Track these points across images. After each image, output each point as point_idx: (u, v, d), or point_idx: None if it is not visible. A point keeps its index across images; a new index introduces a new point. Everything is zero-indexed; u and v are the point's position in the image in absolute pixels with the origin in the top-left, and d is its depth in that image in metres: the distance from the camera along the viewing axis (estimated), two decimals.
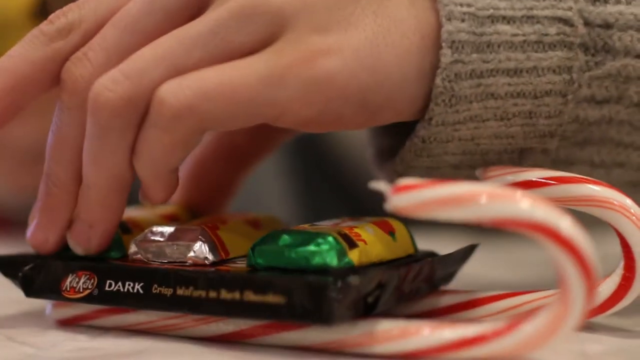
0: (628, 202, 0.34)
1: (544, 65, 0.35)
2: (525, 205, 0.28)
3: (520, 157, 0.37)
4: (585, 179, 0.35)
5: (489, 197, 0.28)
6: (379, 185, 0.30)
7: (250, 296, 0.32)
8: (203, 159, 0.43)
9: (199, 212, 0.41)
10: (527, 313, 0.30)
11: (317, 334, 0.32)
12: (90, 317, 0.36)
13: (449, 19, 0.34)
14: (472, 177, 0.37)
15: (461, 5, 0.34)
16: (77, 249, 0.36)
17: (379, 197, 0.30)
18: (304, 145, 0.72)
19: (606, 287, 0.34)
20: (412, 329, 0.31)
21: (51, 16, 0.36)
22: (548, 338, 0.29)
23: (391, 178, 0.37)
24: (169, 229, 0.35)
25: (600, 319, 0.35)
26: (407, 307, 0.36)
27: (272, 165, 0.72)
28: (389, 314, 0.33)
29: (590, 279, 0.28)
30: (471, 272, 0.39)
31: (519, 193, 0.29)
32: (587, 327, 0.35)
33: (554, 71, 0.35)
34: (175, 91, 0.32)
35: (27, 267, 0.36)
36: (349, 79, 0.33)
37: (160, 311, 0.34)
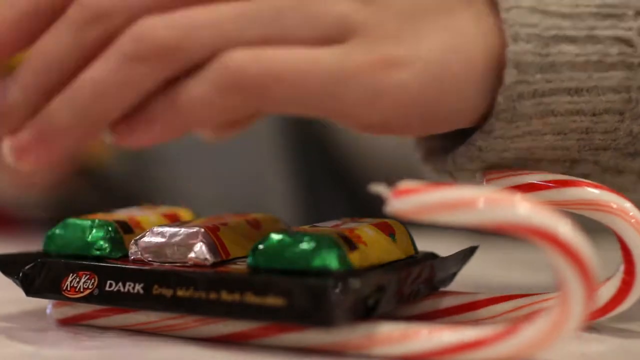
0: (627, 205, 0.34)
1: (604, 84, 0.35)
2: (524, 210, 0.28)
3: (571, 166, 0.37)
4: (585, 182, 0.35)
5: (488, 201, 0.28)
6: (379, 188, 0.30)
7: (251, 298, 0.32)
8: None
9: None
10: (526, 316, 0.30)
11: (317, 336, 0.32)
12: (91, 317, 0.36)
13: (515, 40, 0.33)
14: None
15: (526, 26, 0.34)
16: (11, 153, 0.35)
17: (381, 199, 0.30)
18: (305, 145, 0.72)
19: (606, 291, 0.34)
20: (412, 332, 0.31)
21: None
22: (547, 342, 0.29)
23: (440, 174, 0.37)
24: (169, 230, 0.35)
25: (601, 318, 0.35)
26: (407, 309, 0.36)
27: (273, 165, 0.72)
28: (389, 316, 0.33)
29: (589, 282, 0.28)
30: (471, 274, 0.39)
31: (517, 197, 0.29)
32: (588, 327, 0.35)
33: (613, 90, 0.35)
34: (248, 61, 0.32)
35: (27, 267, 0.36)
36: (417, 92, 0.33)
37: (161, 312, 0.34)
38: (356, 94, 0.33)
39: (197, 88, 0.33)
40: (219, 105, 0.33)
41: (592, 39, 0.34)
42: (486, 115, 0.35)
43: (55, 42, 0.34)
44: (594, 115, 0.35)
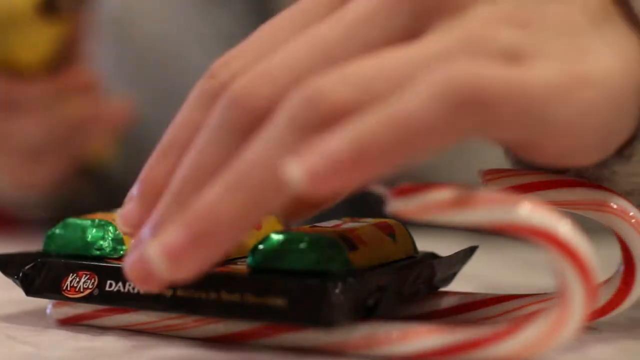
0: (628, 205, 0.34)
1: None
2: (524, 210, 0.28)
3: None
4: (586, 182, 0.35)
5: (488, 201, 0.28)
6: (379, 188, 0.30)
7: (251, 298, 0.32)
8: None
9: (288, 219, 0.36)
10: (527, 316, 0.30)
11: (317, 336, 0.32)
12: (91, 317, 0.36)
13: None
14: None
15: None
16: (161, 259, 0.29)
17: (381, 198, 0.30)
18: None
19: (606, 291, 0.34)
20: (411, 332, 0.31)
21: (212, 69, 0.32)
22: (547, 342, 0.29)
23: None
24: None
25: (601, 319, 0.35)
26: (407, 309, 0.36)
27: None
28: (389, 316, 0.33)
29: (589, 283, 0.28)
30: (471, 274, 0.39)
31: (518, 198, 0.29)
32: (588, 327, 0.35)
33: None
34: (475, 76, 0.28)
35: (27, 267, 0.36)
36: (601, 111, 0.31)
37: (161, 312, 0.34)
38: (566, 113, 0.30)
39: (413, 102, 0.28)
40: (445, 122, 0.28)
41: None
42: (627, 138, 0.33)
43: (212, 147, 0.30)
44: None
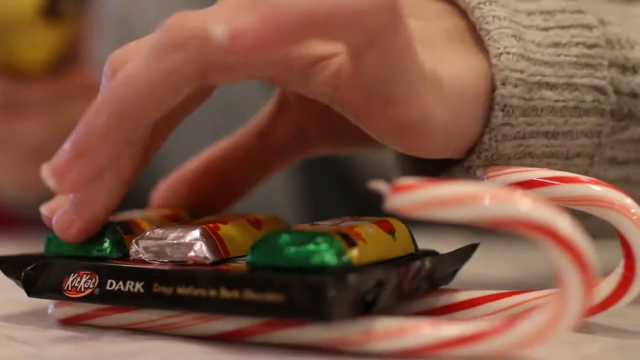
0: (628, 201, 0.34)
1: (578, 129, 0.37)
2: (524, 206, 0.28)
3: None
4: (586, 179, 0.35)
5: (488, 197, 0.28)
6: (378, 185, 0.30)
7: (250, 295, 0.32)
8: (214, 156, 0.42)
9: (200, 212, 0.41)
10: (525, 312, 0.30)
11: (316, 332, 0.32)
12: (92, 316, 0.36)
13: (504, 84, 0.35)
14: None
15: (514, 71, 0.35)
16: (50, 178, 0.32)
17: (380, 196, 0.30)
18: None
19: (606, 286, 0.34)
20: (410, 327, 0.31)
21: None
22: (546, 335, 0.29)
23: None
24: (169, 229, 0.35)
25: (597, 318, 0.35)
26: (406, 306, 0.36)
27: None
28: (389, 312, 0.33)
29: (588, 277, 0.28)
30: (472, 271, 0.39)
31: (517, 193, 0.29)
32: (584, 326, 0.35)
33: (585, 135, 0.37)
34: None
35: (29, 267, 0.36)
36: (446, 110, 0.34)
37: (161, 310, 0.34)
38: (411, 83, 0.33)
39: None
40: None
41: (570, 86, 0.36)
42: (468, 149, 0.36)
43: None
44: (567, 158, 0.37)
